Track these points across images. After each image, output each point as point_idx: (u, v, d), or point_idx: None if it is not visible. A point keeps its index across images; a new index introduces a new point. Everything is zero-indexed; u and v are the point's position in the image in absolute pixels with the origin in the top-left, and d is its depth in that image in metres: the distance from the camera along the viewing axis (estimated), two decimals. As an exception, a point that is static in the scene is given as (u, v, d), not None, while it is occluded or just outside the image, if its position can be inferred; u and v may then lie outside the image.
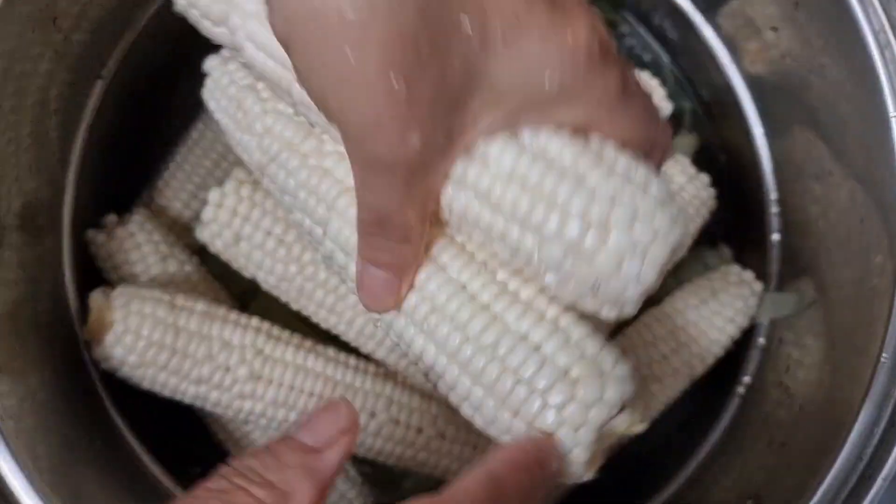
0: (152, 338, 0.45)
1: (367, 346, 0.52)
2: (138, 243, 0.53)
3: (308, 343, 0.50)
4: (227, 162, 0.57)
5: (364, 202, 0.31)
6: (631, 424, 0.33)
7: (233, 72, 0.45)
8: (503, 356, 0.32)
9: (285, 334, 0.50)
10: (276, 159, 0.40)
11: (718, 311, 0.55)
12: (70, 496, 0.42)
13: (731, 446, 0.54)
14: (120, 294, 0.47)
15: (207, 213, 0.48)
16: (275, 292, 0.52)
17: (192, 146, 0.58)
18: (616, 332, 0.57)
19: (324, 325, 0.52)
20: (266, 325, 0.50)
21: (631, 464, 0.60)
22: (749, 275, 0.56)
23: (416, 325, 0.35)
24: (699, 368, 0.55)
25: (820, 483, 0.41)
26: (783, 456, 0.47)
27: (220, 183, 0.52)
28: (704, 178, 0.57)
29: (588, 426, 0.31)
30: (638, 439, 0.55)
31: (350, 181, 0.34)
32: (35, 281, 0.48)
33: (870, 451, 0.41)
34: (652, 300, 0.59)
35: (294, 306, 0.52)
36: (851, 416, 0.41)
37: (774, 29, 0.50)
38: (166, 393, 0.47)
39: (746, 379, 0.56)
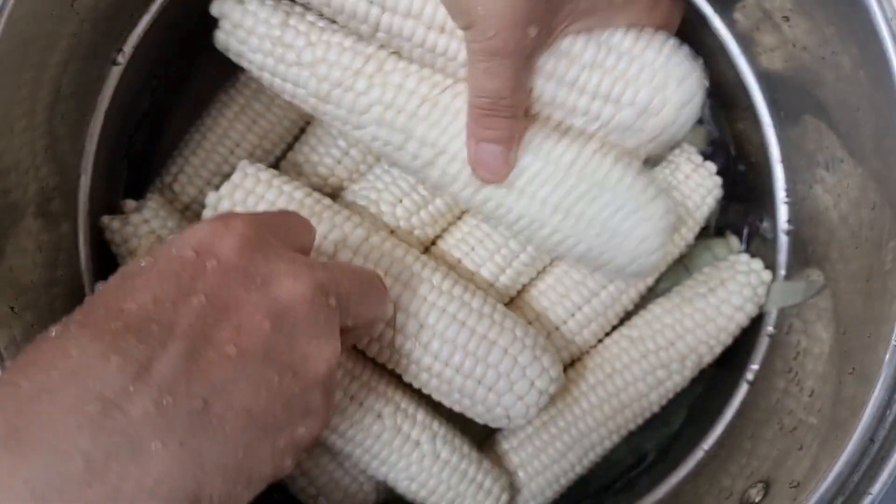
0: None
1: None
2: (153, 229, 0.53)
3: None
4: (242, 149, 0.57)
5: (483, 89, 0.42)
6: None
7: (255, 11, 0.45)
8: (596, 197, 0.44)
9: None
10: (340, 84, 0.45)
11: (727, 299, 0.55)
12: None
13: (740, 432, 0.54)
14: None
15: (206, 216, 0.49)
16: None
17: (206, 132, 0.58)
18: (625, 319, 0.57)
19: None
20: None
21: (640, 450, 0.61)
22: (758, 264, 0.56)
23: (519, 190, 0.45)
24: (707, 357, 0.55)
25: (832, 466, 0.41)
26: (793, 440, 0.47)
27: (233, 169, 0.52)
28: (710, 167, 0.57)
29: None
30: (647, 425, 0.56)
31: (425, 90, 0.45)
32: (52, 266, 0.48)
33: (882, 433, 0.41)
34: (660, 290, 0.59)
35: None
36: (862, 399, 0.42)
37: (786, 19, 0.50)
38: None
39: (755, 366, 0.56)
